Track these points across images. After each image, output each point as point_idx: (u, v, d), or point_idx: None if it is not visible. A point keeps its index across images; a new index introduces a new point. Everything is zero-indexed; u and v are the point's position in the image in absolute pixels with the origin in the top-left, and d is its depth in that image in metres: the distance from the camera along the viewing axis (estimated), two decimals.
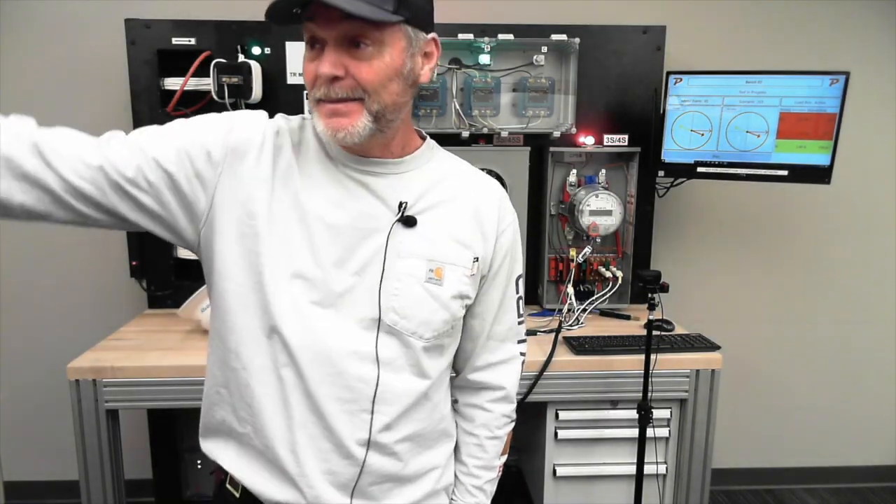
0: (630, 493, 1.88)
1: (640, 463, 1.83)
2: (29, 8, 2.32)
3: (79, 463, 1.80)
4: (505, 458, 1.20)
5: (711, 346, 1.95)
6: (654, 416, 1.84)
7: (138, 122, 2.21)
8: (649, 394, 1.77)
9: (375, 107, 0.91)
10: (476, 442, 1.14)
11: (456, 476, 1.15)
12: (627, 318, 2.26)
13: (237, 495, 1.04)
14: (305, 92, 0.97)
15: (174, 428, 2.37)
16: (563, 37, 2.19)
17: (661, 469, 1.97)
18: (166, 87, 2.20)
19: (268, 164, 0.96)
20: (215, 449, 1.06)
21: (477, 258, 1.04)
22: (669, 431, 1.96)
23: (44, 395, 2.53)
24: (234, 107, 2.15)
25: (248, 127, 0.98)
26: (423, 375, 1.02)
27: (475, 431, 1.15)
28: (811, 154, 2.10)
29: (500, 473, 1.19)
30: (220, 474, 1.08)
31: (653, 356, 1.76)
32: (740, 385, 2.72)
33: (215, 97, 2.12)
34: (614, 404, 1.92)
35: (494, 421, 1.15)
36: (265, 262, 0.95)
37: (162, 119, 2.27)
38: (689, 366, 1.90)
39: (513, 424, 1.19)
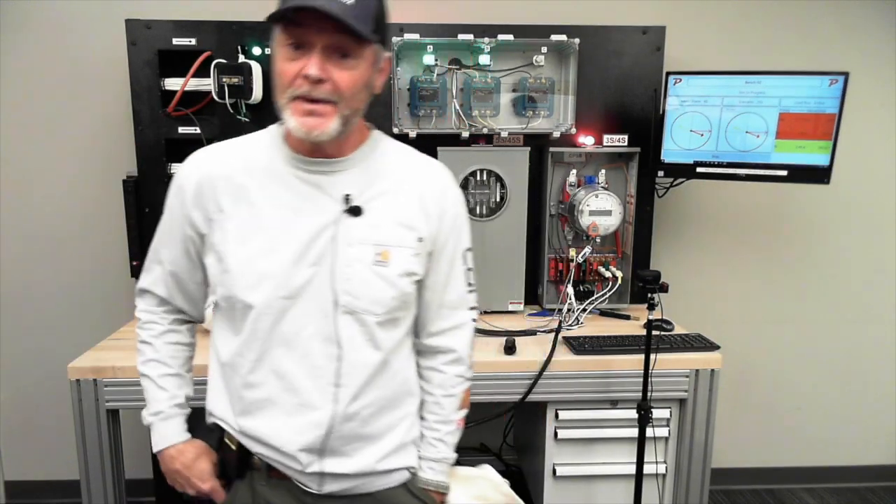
0: (630, 492, 1.88)
1: (640, 463, 1.83)
2: (29, 8, 2.32)
3: (79, 462, 1.80)
4: (464, 412, 1.33)
5: (711, 346, 1.95)
6: (653, 416, 1.85)
7: (139, 122, 2.21)
8: (649, 393, 1.77)
9: (346, 111, 1.06)
10: (434, 400, 1.27)
11: (421, 433, 1.28)
12: (627, 318, 2.26)
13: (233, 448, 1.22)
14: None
15: None
16: (563, 37, 2.19)
17: (661, 469, 1.97)
18: (167, 88, 2.20)
19: (206, 205, 1.14)
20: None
21: (422, 238, 1.16)
22: (669, 431, 1.96)
23: (44, 394, 2.54)
24: (235, 107, 2.15)
25: (176, 195, 1.18)
26: (378, 347, 1.15)
27: (432, 391, 1.27)
28: (810, 154, 2.10)
29: (460, 427, 1.32)
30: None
31: (652, 356, 1.76)
32: (740, 385, 2.72)
33: (216, 97, 2.12)
34: (614, 404, 1.92)
35: (449, 381, 1.28)
36: (234, 275, 1.12)
37: (162, 119, 2.28)
38: (688, 366, 1.90)
39: (467, 384, 1.32)
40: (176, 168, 2.23)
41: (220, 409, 1.21)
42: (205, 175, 1.15)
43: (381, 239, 1.13)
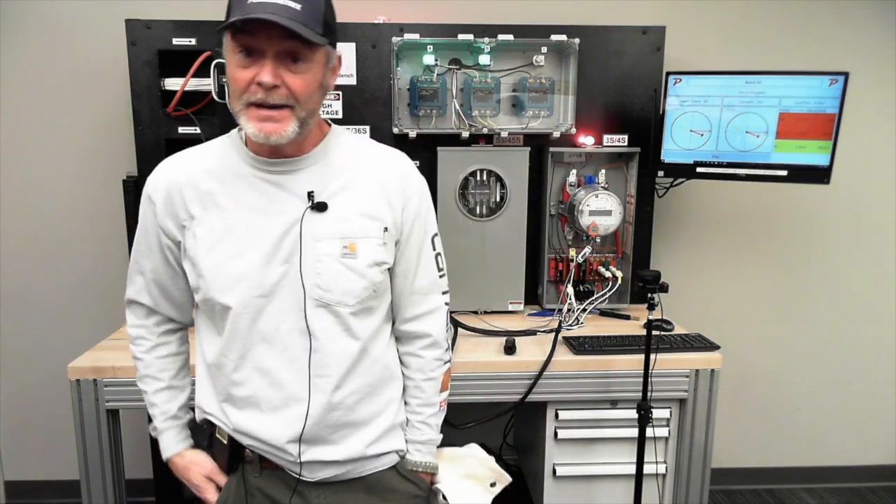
0: (630, 492, 1.88)
1: (640, 463, 1.83)
2: (29, 8, 2.32)
3: (79, 462, 1.80)
4: (445, 394, 1.36)
5: (711, 346, 1.95)
6: (653, 416, 1.84)
7: (139, 122, 2.21)
8: (649, 393, 1.77)
9: (302, 114, 1.09)
10: (415, 384, 1.31)
11: (406, 417, 1.32)
12: (627, 318, 2.26)
13: (224, 442, 1.25)
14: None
15: None
16: (563, 37, 2.19)
17: (661, 469, 1.97)
18: (167, 88, 2.19)
19: (176, 212, 1.18)
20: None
21: (387, 227, 1.19)
22: (669, 431, 1.96)
23: (44, 394, 2.54)
24: None
25: (147, 207, 1.21)
26: (355, 337, 1.19)
27: (412, 376, 1.31)
28: (810, 154, 2.10)
29: (443, 408, 1.36)
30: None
31: (652, 356, 1.76)
32: (740, 385, 2.72)
33: (216, 97, 2.12)
34: (614, 404, 1.92)
35: (427, 365, 1.31)
36: (208, 280, 1.15)
37: (162, 119, 2.28)
38: (688, 366, 1.90)
39: (446, 366, 1.35)
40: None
41: (210, 405, 1.25)
42: (172, 183, 1.18)
43: (347, 231, 1.16)
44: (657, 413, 1.92)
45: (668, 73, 2.17)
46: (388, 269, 1.22)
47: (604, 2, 2.43)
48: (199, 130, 2.21)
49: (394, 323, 1.31)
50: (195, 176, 1.17)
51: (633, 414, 1.82)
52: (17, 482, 2.58)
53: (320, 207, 1.15)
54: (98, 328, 2.17)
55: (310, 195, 1.15)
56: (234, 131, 1.21)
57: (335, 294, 1.15)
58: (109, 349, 1.92)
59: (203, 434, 1.30)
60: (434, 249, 1.29)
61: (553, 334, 1.98)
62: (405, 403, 1.32)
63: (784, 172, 2.13)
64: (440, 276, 1.31)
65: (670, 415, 1.95)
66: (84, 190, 2.44)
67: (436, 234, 1.30)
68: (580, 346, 1.93)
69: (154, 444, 2.31)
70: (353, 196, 1.18)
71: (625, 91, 2.33)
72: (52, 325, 2.51)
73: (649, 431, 1.82)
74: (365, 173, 1.20)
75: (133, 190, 2.25)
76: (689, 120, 2.16)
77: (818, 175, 2.11)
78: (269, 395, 1.17)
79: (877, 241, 2.67)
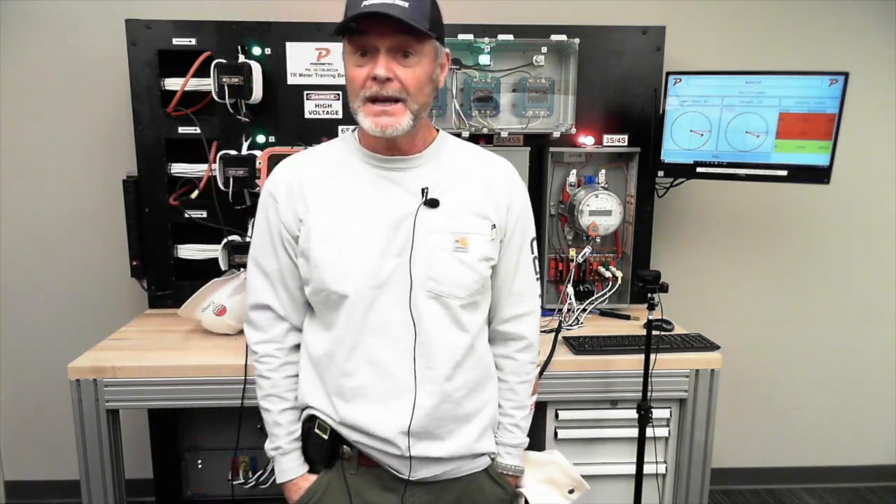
0: (630, 492, 1.88)
1: (640, 463, 1.83)
2: (29, 8, 2.32)
3: (79, 462, 1.80)
4: (535, 397, 1.39)
5: (711, 346, 1.95)
6: (653, 416, 1.84)
7: (139, 122, 2.21)
8: (649, 393, 1.77)
9: (415, 107, 1.14)
10: (509, 387, 1.33)
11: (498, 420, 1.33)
12: (627, 318, 2.26)
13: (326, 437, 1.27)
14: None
15: (174, 428, 2.37)
16: (563, 37, 2.19)
17: (661, 469, 1.97)
18: (167, 88, 2.20)
19: (296, 206, 1.21)
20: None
21: (494, 225, 1.23)
22: (669, 431, 1.96)
23: (44, 394, 2.54)
24: (235, 107, 2.15)
25: (268, 205, 1.24)
26: (465, 330, 1.22)
27: (507, 378, 1.33)
28: (810, 154, 2.10)
29: (531, 411, 1.37)
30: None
31: (652, 356, 1.76)
32: (740, 385, 2.72)
33: (216, 97, 2.12)
34: (614, 404, 1.92)
35: (523, 368, 1.34)
36: (323, 270, 1.18)
37: (162, 119, 2.28)
38: (688, 366, 1.90)
39: (538, 369, 1.41)
40: (176, 167, 2.24)
41: (316, 398, 1.26)
42: (293, 178, 1.23)
43: (459, 227, 1.20)
44: (657, 413, 1.92)
45: (668, 73, 2.17)
46: (492, 267, 1.26)
47: (604, 2, 2.43)
48: (199, 130, 2.21)
49: (489, 324, 1.33)
50: (313, 172, 1.23)
51: (633, 414, 1.82)
52: (17, 482, 2.58)
53: (433, 203, 1.19)
54: (98, 328, 2.17)
55: (423, 191, 1.19)
56: (348, 132, 1.28)
57: (446, 286, 1.19)
58: (109, 349, 1.92)
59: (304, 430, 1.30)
60: (533, 253, 1.33)
61: (553, 334, 1.98)
62: (498, 406, 1.33)
63: (784, 172, 2.13)
64: (536, 280, 1.35)
65: (670, 415, 1.95)
66: (84, 190, 2.43)
67: (534, 239, 1.34)
68: (580, 346, 1.93)
69: (154, 444, 2.33)
70: (463, 194, 1.22)
71: (625, 91, 2.33)
72: (52, 325, 2.51)
73: (649, 431, 1.82)
74: (474, 175, 1.25)
75: (133, 190, 2.26)
76: (689, 120, 2.16)
77: (818, 175, 2.11)
78: (379, 386, 1.20)
79: (877, 241, 2.66)
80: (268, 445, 1.31)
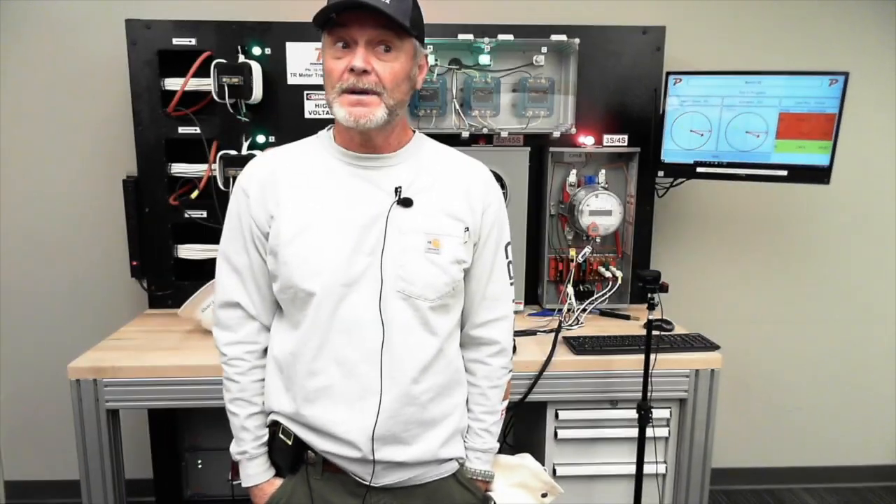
0: (630, 492, 1.88)
1: (640, 463, 1.83)
2: (29, 8, 2.32)
3: (79, 462, 1.80)
4: (506, 403, 1.38)
5: (711, 346, 1.95)
6: (653, 416, 1.84)
7: (139, 122, 2.22)
8: (649, 394, 1.77)
9: (391, 102, 1.13)
10: (480, 392, 1.32)
11: (468, 424, 1.33)
12: (627, 318, 2.26)
13: (289, 443, 1.25)
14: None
15: (174, 428, 2.37)
16: (563, 37, 2.19)
17: (661, 469, 1.97)
18: (167, 88, 2.20)
19: (267, 203, 1.20)
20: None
21: (468, 228, 1.22)
22: (669, 431, 1.96)
23: (44, 394, 2.54)
24: (235, 107, 2.15)
25: (240, 200, 1.23)
26: (434, 333, 1.21)
27: (478, 383, 1.32)
28: (810, 154, 2.10)
29: (503, 416, 1.37)
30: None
31: (652, 356, 1.76)
32: (740, 385, 2.72)
33: (216, 97, 2.12)
34: (614, 404, 1.92)
35: (494, 373, 1.33)
36: (292, 267, 1.16)
37: (162, 119, 2.28)
38: (688, 366, 1.90)
39: (510, 374, 1.38)
40: (176, 167, 2.24)
41: (278, 403, 1.24)
42: (266, 174, 1.21)
43: (432, 228, 1.19)
44: (657, 413, 1.91)
45: (668, 73, 2.17)
46: (465, 270, 1.25)
47: (604, 2, 2.43)
48: (199, 130, 2.21)
49: (461, 328, 1.32)
50: (286, 168, 1.22)
51: (633, 414, 1.82)
52: (17, 482, 2.58)
53: (406, 203, 1.18)
54: (98, 328, 2.17)
55: (397, 190, 1.18)
56: (323, 130, 1.27)
57: (417, 287, 1.17)
58: (109, 349, 1.92)
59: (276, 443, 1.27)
60: (507, 257, 1.33)
61: (553, 334, 1.98)
62: (469, 410, 1.33)
63: (784, 172, 2.13)
64: (510, 285, 1.34)
65: (670, 415, 1.95)
66: (84, 190, 2.43)
67: (509, 243, 1.33)
68: (580, 346, 1.93)
69: (154, 444, 2.34)
70: (438, 196, 1.21)
71: (625, 91, 2.33)
72: (52, 325, 2.51)
73: (649, 431, 1.82)
74: (450, 177, 1.24)
75: (133, 190, 2.26)
76: (689, 120, 2.16)
77: (818, 175, 2.11)
78: (345, 387, 1.18)
79: (877, 241, 2.66)
80: (233, 449, 1.29)
